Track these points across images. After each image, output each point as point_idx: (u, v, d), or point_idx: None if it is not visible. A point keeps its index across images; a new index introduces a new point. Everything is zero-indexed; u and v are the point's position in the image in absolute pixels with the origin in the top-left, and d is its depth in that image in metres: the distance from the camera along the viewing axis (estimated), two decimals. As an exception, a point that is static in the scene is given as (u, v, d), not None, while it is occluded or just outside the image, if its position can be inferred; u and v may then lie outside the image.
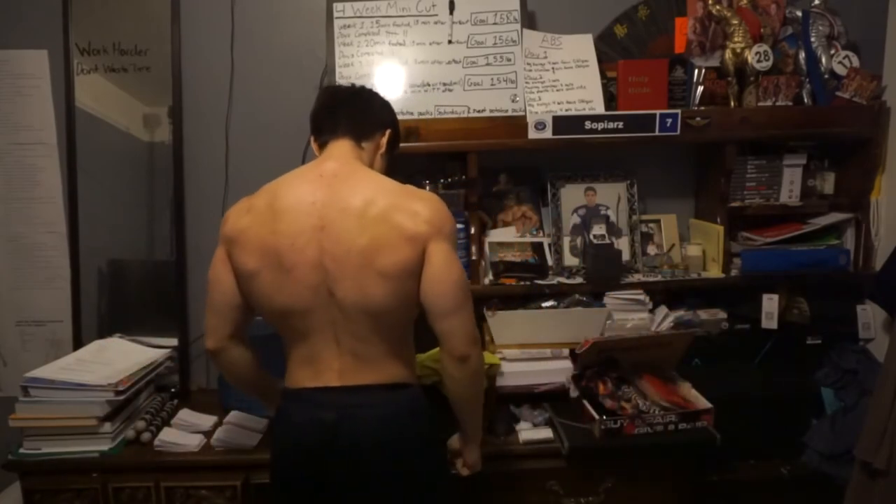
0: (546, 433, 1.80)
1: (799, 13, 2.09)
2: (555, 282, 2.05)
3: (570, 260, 2.13)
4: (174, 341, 2.13)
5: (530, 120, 1.95)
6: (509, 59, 2.03)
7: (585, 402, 1.81)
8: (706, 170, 2.18)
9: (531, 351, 1.95)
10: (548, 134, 1.95)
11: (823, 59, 2.06)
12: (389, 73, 2.01)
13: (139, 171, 2.14)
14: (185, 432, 1.83)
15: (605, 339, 1.88)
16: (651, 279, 2.08)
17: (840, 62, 2.06)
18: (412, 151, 1.90)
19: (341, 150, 1.42)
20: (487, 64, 2.03)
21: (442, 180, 2.04)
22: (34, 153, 2.13)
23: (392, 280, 1.32)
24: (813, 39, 2.07)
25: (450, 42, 2.03)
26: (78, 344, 2.11)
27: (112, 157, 2.12)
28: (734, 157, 2.04)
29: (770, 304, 2.08)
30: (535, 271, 2.05)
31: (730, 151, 2.02)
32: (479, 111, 2.01)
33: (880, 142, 2.08)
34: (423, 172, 2.04)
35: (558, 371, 1.92)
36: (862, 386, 1.94)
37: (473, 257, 2.02)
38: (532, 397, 1.93)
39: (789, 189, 2.15)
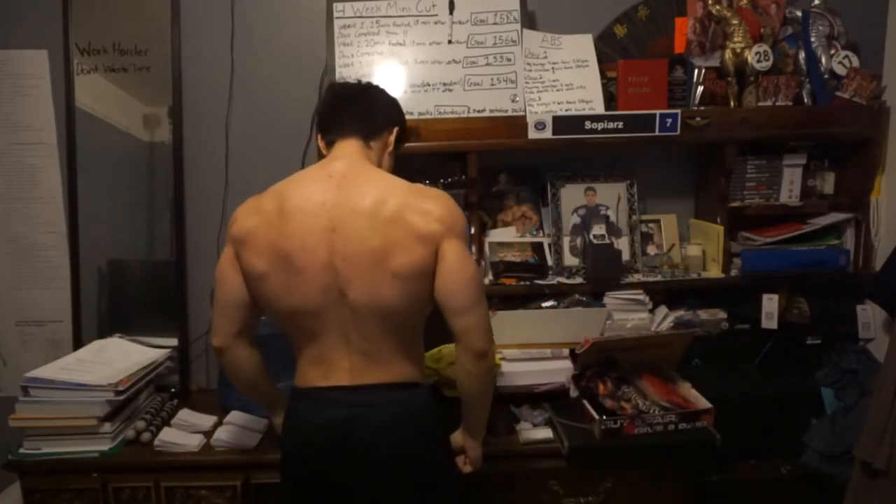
0: (546, 433, 1.80)
1: (799, 13, 2.09)
2: (555, 282, 2.05)
3: (570, 260, 2.13)
4: (174, 341, 2.13)
5: (530, 120, 1.95)
6: (509, 59, 2.03)
7: (585, 402, 1.81)
8: (706, 170, 2.18)
9: (531, 351, 1.95)
10: (548, 134, 1.95)
11: (823, 59, 2.06)
12: (389, 73, 2.01)
13: (139, 171, 2.13)
14: (185, 432, 1.83)
15: (605, 339, 1.88)
16: (651, 279, 2.08)
17: (840, 62, 2.06)
18: (412, 151, 1.89)
19: (349, 149, 1.41)
20: (487, 64, 2.03)
21: (442, 180, 2.04)
22: (34, 153, 2.13)
23: (405, 280, 1.32)
24: (813, 39, 2.07)
25: (450, 42, 2.03)
26: (78, 344, 2.11)
27: (112, 157, 2.12)
28: (734, 157, 2.04)
29: (770, 304, 2.08)
30: (535, 271, 2.05)
31: (730, 151, 2.02)
32: (479, 111, 2.01)
33: (880, 142, 2.08)
34: (423, 172, 2.04)
35: (558, 371, 1.92)
36: (862, 386, 1.94)
37: (473, 257, 2.02)
38: (532, 397, 1.93)
39: (789, 189, 2.15)
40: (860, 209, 2.11)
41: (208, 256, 2.16)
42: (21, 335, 2.21)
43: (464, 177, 2.01)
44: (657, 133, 1.97)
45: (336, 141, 1.43)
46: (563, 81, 2.03)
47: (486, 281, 2.04)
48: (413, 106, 1.99)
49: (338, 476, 1.37)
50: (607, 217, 2.15)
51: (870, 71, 2.06)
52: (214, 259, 2.13)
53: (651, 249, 2.18)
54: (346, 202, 1.32)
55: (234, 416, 1.89)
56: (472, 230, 2.02)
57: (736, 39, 2.01)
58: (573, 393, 1.87)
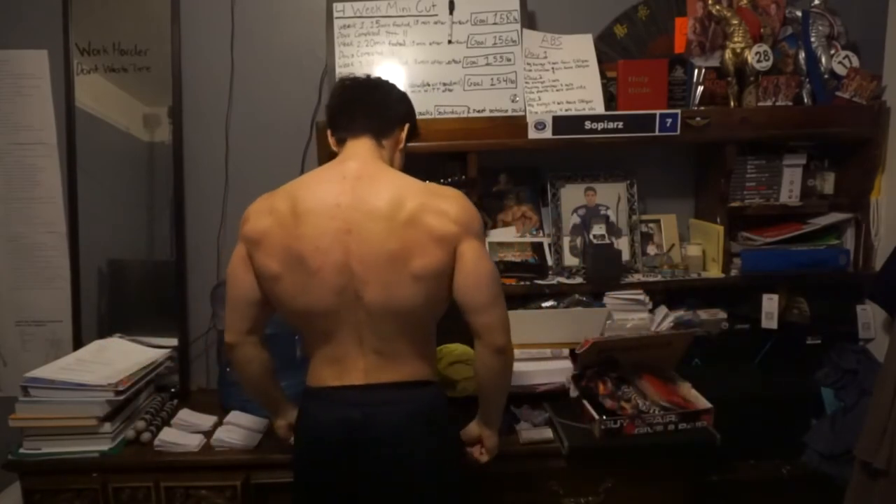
0: (546, 433, 1.80)
1: (799, 13, 2.09)
2: (555, 282, 2.05)
3: (570, 260, 2.13)
4: (174, 341, 2.13)
5: (530, 120, 1.95)
6: (509, 59, 2.03)
7: (585, 402, 1.81)
8: (706, 170, 2.18)
9: (531, 351, 1.95)
10: (548, 134, 1.95)
11: (823, 59, 2.07)
12: (389, 74, 2.00)
13: (139, 171, 2.14)
14: (185, 432, 1.83)
15: (605, 339, 1.88)
16: (651, 279, 2.08)
17: (840, 62, 2.06)
18: (412, 151, 1.87)
19: (362, 148, 1.41)
20: (487, 64, 2.03)
21: (442, 180, 2.04)
22: (34, 153, 2.13)
23: (423, 281, 1.33)
24: (813, 39, 2.07)
25: (450, 42, 2.03)
26: (78, 344, 2.11)
27: (112, 157, 2.12)
28: (734, 157, 2.04)
29: (770, 304, 2.08)
30: (535, 271, 2.06)
31: (730, 151, 2.02)
32: (479, 111, 2.01)
33: (880, 142, 2.08)
34: (423, 172, 2.03)
35: (558, 371, 1.92)
36: (862, 386, 1.94)
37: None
38: (532, 397, 1.93)
39: (789, 189, 2.15)
40: (860, 209, 2.11)
41: (208, 256, 2.16)
42: (21, 335, 2.21)
43: (464, 177, 2.01)
44: (657, 133, 1.97)
45: (347, 139, 1.43)
46: (563, 81, 2.03)
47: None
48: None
49: (351, 474, 1.37)
50: (607, 217, 2.15)
51: (870, 71, 2.06)
52: (214, 259, 2.15)
53: (651, 249, 2.18)
54: (362, 204, 1.31)
55: (234, 416, 1.88)
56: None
57: (736, 39, 2.01)
58: (573, 393, 1.87)
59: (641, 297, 2.06)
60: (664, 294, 2.13)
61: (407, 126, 1.49)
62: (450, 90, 2.02)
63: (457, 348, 1.88)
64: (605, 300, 2.05)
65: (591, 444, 1.74)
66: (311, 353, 1.44)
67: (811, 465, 1.89)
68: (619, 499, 1.79)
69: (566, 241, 2.13)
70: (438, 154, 2.02)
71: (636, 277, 2.09)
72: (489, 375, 1.44)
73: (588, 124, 1.96)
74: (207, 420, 1.89)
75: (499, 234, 2.13)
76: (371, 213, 1.31)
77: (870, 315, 2.13)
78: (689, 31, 2.08)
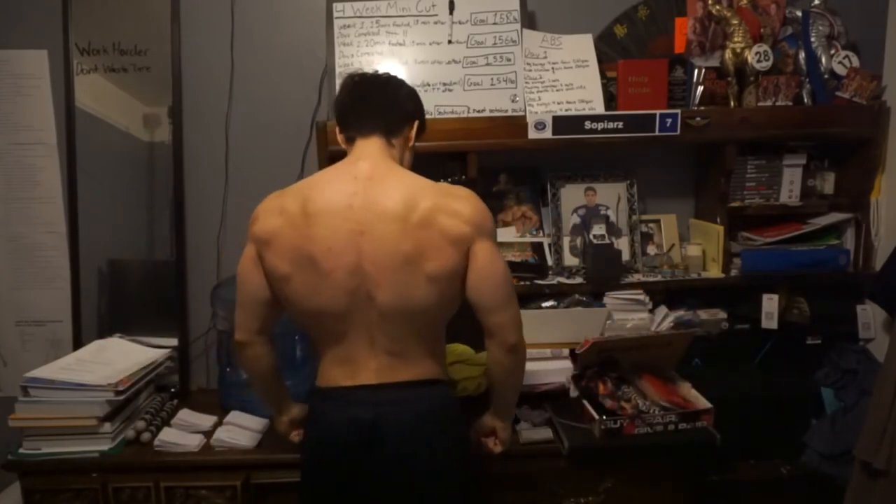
0: (546, 433, 1.80)
1: (799, 13, 2.09)
2: (555, 282, 2.05)
3: (570, 260, 2.13)
4: (174, 341, 2.13)
5: (530, 120, 1.95)
6: (509, 59, 2.03)
7: (585, 402, 1.81)
8: (706, 170, 2.18)
9: (531, 351, 1.90)
10: (548, 134, 1.95)
11: (823, 59, 2.07)
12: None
13: (139, 171, 2.13)
14: (185, 432, 1.83)
15: (605, 339, 1.88)
16: (651, 279, 2.08)
17: (840, 62, 2.06)
18: (412, 151, 1.90)
19: (372, 148, 1.40)
20: (487, 64, 2.03)
21: (442, 180, 2.03)
22: (34, 153, 2.13)
23: (437, 282, 1.33)
24: (813, 39, 2.07)
25: (450, 42, 2.03)
26: (78, 344, 2.11)
27: (112, 157, 2.12)
28: (734, 157, 2.04)
29: (770, 304, 2.08)
30: (535, 271, 2.06)
31: (730, 151, 2.02)
32: (479, 111, 2.01)
33: (880, 142, 2.08)
34: (423, 172, 2.03)
35: (558, 371, 1.92)
36: (862, 386, 1.94)
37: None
38: (532, 397, 1.93)
39: (789, 189, 2.15)
40: (860, 209, 2.11)
41: (208, 256, 2.16)
42: (21, 335, 2.21)
43: (464, 177, 2.00)
44: (657, 133, 1.97)
45: (357, 138, 1.42)
46: (563, 81, 2.03)
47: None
48: (413, 106, 1.99)
49: (362, 474, 1.37)
50: (607, 217, 2.15)
51: (870, 71, 2.06)
52: (214, 259, 2.16)
53: (651, 249, 2.18)
54: (374, 205, 1.31)
55: (234, 416, 1.88)
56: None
57: (736, 39, 2.01)
58: (573, 393, 1.87)
59: (641, 297, 2.06)
60: (664, 294, 2.13)
61: (416, 123, 1.49)
62: (450, 90, 2.02)
63: (457, 348, 1.88)
64: (605, 300, 2.05)
65: (591, 444, 1.74)
66: (322, 353, 1.44)
67: (811, 465, 1.89)
68: (619, 499, 1.79)
69: (566, 241, 2.13)
70: (438, 154, 2.01)
71: (636, 277, 2.09)
72: (502, 372, 1.46)
73: (588, 124, 1.96)
74: (207, 420, 1.89)
75: (499, 234, 2.12)
76: (384, 215, 1.31)
77: (870, 315, 2.13)
78: (689, 31, 2.08)
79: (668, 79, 2.02)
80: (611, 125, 1.96)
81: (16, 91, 2.10)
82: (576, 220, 2.14)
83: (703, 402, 1.82)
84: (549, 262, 2.11)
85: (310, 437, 1.45)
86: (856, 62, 2.06)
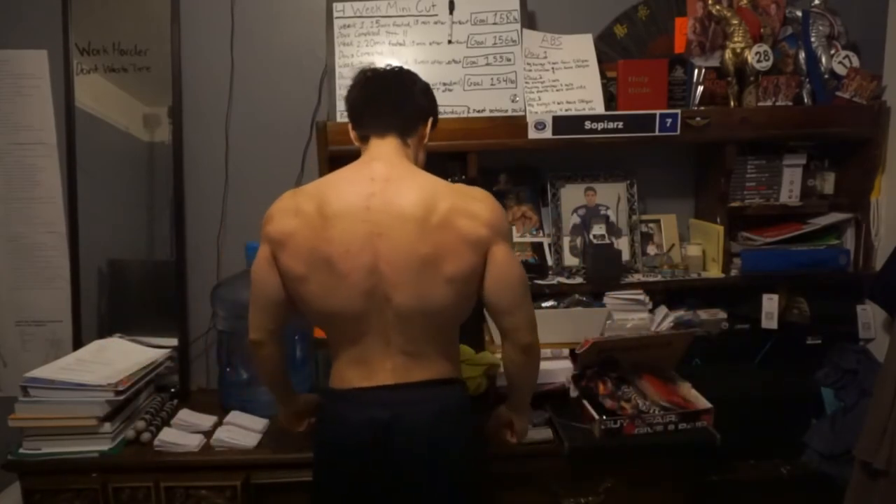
0: (546, 433, 1.80)
1: (799, 13, 2.09)
2: (555, 282, 2.05)
3: (570, 260, 2.13)
4: (174, 341, 2.12)
5: (530, 120, 1.95)
6: (509, 59, 2.03)
7: (585, 402, 1.81)
8: (706, 170, 2.18)
9: (531, 351, 1.94)
10: (548, 134, 1.95)
11: (823, 59, 2.07)
12: (389, 73, 2.01)
13: (139, 171, 2.13)
14: (185, 432, 1.83)
15: (605, 339, 1.88)
16: (651, 279, 2.08)
17: (840, 62, 2.06)
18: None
19: (388, 149, 1.39)
20: (487, 64, 2.03)
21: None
22: (34, 153, 2.13)
23: (455, 284, 1.33)
24: (813, 39, 2.07)
25: (450, 42, 2.03)
26: (78, 344, 2.11)
27: (112, 157, 2.12)
28: (734, 157, 2.04)
29: (770, 304, 2.08)
30: (535, 271, 2.05)
31: (730, 151, 2.02)
32: (479, 111, 2.01)
33: (880, 142, 2.08)
34: (423, 172, 2.04)
35: (558, 371, 1.92)
36: (862, 386, 1.94)
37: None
38: (532, 397, 1.93)
39: (789, 189, 2.15)
40: (860, 209, 2.11)
41: (208, 256, 2.16)
42: (21, 335, 2.21)
43: (464, 177, 2.00)
44: (657, 133, 1.97)
45: (371, 137, 1.41)
46: (563, 81, 2.03)
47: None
48: (413, 106, 1.99)
49: (378, 474, 1.37)
50: (607, 217, 2.15)
51: (870, 71, 2.06)
52: (214, 259, 2.16)
53: (651, 249, 2.18)
54: (392, 207, 1.31)
55: (234, 416, 1.88)
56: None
57: (736, 39, 2.01)
58: (573, 393, 1.87)
59: (641, 297, 2.06)
60: (664, 294, 2.13)
61: (430, 120, 1.48)
62: (450, 90, 2.02)
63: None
64: (605, 300, 2.05)
65: (591, 444, 1.74)
66: (336, 353, 1.43)
67: (811, 465, 1.89)
68: (619, 499, 1.79)
69: (566, 241, 2.13)
70: (438, 154, 2.01)
71: (636, 277, 2.09)
72: (516, 371, 1.48)
73: (588, 124, 1.96)
74: (207, 420, 1.89)
75: (499, 234, 2.13)
76: (402, 217, 1.30)
77: (870, 315, 2.13)
78: (689, 31, 2.08)
79: (668, 79, 2.02)
80: (611, 125, 1.96)
81: (16, 91, 2.10)
82: (576, 220, 2.14)
83: (703, 402, 1.82)
84: (549, 262, 2.11)
85: (324, 438, 1.45)
86: (856, 62, 2.06)
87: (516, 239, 2.12)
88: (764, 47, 2.02)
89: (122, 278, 2.18)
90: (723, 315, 2.11)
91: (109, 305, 2.16)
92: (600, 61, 2.05)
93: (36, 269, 2.17)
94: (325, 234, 1.31)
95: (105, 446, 1.75)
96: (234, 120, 2.13)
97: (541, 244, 2.13)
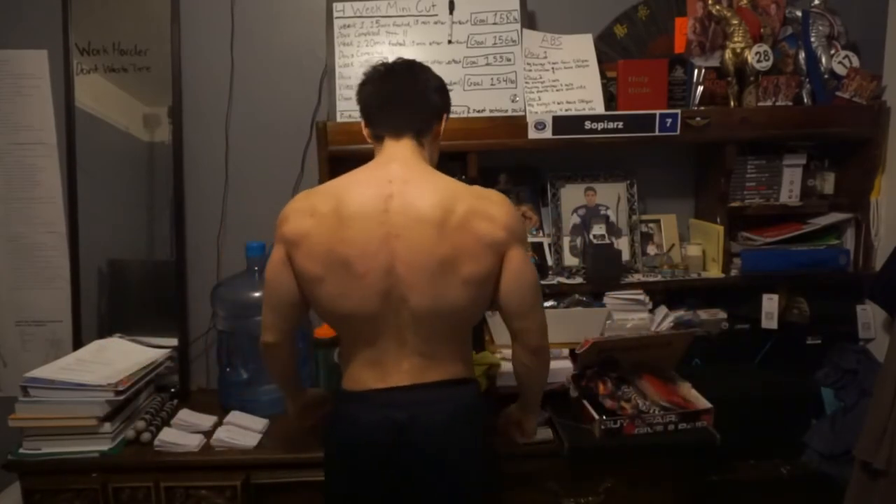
0: (546, 433, 1.80)
1: (799, 13, 2.09)
2: (555, 282, 2.05)
3: (570, 260, 2.13)
4: (174, 341, 2.12)
5: (530, 120, 1.95)
6: (509, 59, 2.03)
7: (585, 402, 1.81)
8: (706, 170, 2.18)
9: (531, 351, 1.94)
10: (548, 134, 1.95)
11: (823, 59, 2.07)
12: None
13: (139, 171, 2.13)
14: (185, 432, 1.83)
15: (605, 339, 1.88)
16: (651, 279, 2.08)
17: (840, 62, 2.06)
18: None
19: (404, 150, 1.39)
20: (487, 64, 2.03)
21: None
22: (34, 153, 2.13)
23: (471, 286, 1.34)
24: (813, 39, 2.07)
25: (450, 42, 2.03)
26: (78, 344, 2.11)
27: (112, 157, 2.12)
28: (734, 157, 2.04)
29: (770, 304, 2.08)
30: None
31: (730, 151, 2.02)
32: (479, 111, 2.01)
33: (880, 142, 2.08)
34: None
35: (558, 371, 1.91)
36: (862, 386, 1.94)
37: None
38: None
39: (789, 189, 2.15)
40: (860, 209, 2.11)
41: (208, 256, 2.16)
42: (21, 335, 2.21)
43: (464, 177, 2.00)
44: (657, 133, 1.97)
45: (387, 138, 1.40)
46: (563, 81, 2.03)
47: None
48: (413, 106, 1.99)
49: (394, 474, 1.37)
50: (607, 217, 2.15)
51: (870, 71, 2.07)
52: (214, 259, 2.16)
53: (651, 249, 2.18)
54: (411, 210, 1.31)
55: (234, 416, 1.88)
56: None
57: (736, 39, 2.01)
58: (573, 393, 1.87)
59: (641, 297, 2.06)
60: (664, 294, 2.13)
61: (444, 116, 1.47)
62: (450, 90, 2.00)
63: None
64: (605, 300, 2.05)
65: (591, 444, 1.74)
66: (350, 354, 1.43)
67: (811, 465, 1.89)
68: (619, 499, 1.79)
69: (566, 241, 2.13)
70: (439, 154, 2.01)
71: (636, 277, 2.09)
72: (525, 373, 1.49)
73: (588, 124, 1.96)
74: (207, 420, 1.89)
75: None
76: (420, 219, 1.30)
77: (870, 315, 2.13)
78: (689, 31, 2.08)
79: (668, 79, 2.02)
80: (611, 125, 1.96)
81: (16, 91, 2.10)
82: (576, 220, 2.14)
83: (703, 402, 1.82)
84: (549, 262, 2.11)
85: (338, 439, 1.44)
86: (856, 62, 2.06)
87: (516, 239, 2.12)
88: (764, 47, 2.02)
89: (122, 278, 2.18)
90: (723, 315, 2.11)
91: (109, 305, 2.16)
92: (600, 61, 2.05)
93: (36, 269, 2.17)
94: (341, 235, 1.31)
95: (105, 446, 1.75)
96: (234, 120, 2.13)
97: (541, 244, 2.13)
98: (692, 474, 1.82)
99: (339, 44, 2.02)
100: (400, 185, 1.33)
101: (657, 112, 1.96)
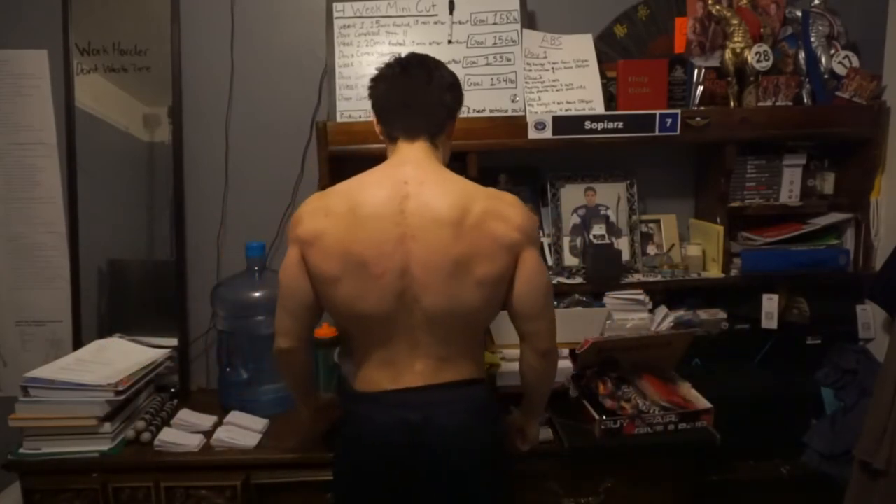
0: (546, 433, 1.80)
1: (799, 13, 2.09)
2: (555, 282, 2.05)
3: (570, 260, 2.13)
4: (174, 341, 2.12)
5: (530, 120, 1.95)
6: (509, 59, 2.03)
7: (585, 402, 1.81)
8: (706, 170, 2.18)
9: (531, 351, 1.94)
10: (548, 134, 1.95)
11: (823, 59, 2.07)
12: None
13: (139, 171, 2.13)
14: (185, 432, 1.83)
15: (605, 339, 1.88)
16: (651, 279, 2.08)
17: (840, 62, 2.06)
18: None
19: (418, 153, 1.38)
20: (487, 64, 2.03)
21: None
22: (34, 153, 2.13)
23: (486, 287, 1.34)
24: (813, 39, 2.07)
25: (450, 42, 2.03)
26: (78, 344, 2.11)
27: (112, 157, 2.12)
28: (734, 157, 2.04)
29: (770, 304, 2.08)
30: (535, 271, 2.05)
31: (730, 151, 2.02)
32: (479, 111, 2.01)
33: (880, 142, 2.08)
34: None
35: (558, 371, 1.90)
36: (862, 386, 1.94)
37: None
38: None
39: (789, 189, 2.15)
40: (860, 209, 2.11)
41: (208, 256, 2.16)
42: (21, 335, 2.21)
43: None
44: (657, 133, 1.97)
45: (400, 140, 1.40)
46: (563, 81, 2.03)
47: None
48: (413, 106, 1.98)
49: (408, 475, 1.37)
50: (607, 217, 2.15)
51: (870, 71, 2.07)
52: (214, 259, 2.16)
53: (651, 249, 2.18)
54: (427, 211, 1.31)
55: (234, 416, 1.88)
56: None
57: (736, 39, 2.01)
58: (573, 393, 1.87)
59: (641, 297, 2.06)
60: (664, 294, 2.13)
61: (457, 114, 1.47)
62: (453, 89, 2.02)
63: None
64: (605, 300, 2.05)
65: (591, 444, 1.74)
66: (362, 356, 1.43)
67: (811, 465, 1.90)
68: (619, 499, 1.79)
69: (566, 241, 2.13)
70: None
71: (636, 277, 2.09)
72: (533, 375, 1.49)
73: (588, 124, 1.96)
74: (207, 420, 1.89)
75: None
76: (437, 220, 1.30)
77: (870, 315, 2.13)
78: (689, 31, 2.08)
79: (668, 79, 2.01)
80: (611, 125, 1.96)
81: (16, 91, 2.10)
82: (576, 220, 2.14)
83: (703, 402, 1.82)
84: (549, 262, 2.11)
85: (351, 440, 1.43)
86: (856, 62, 2.06)
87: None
88: (764, 47, 2.02)
89: (122, 278, 2.18)
90: (723, 315, 2.11)
91: (109, 305, 2.16)
92: (600, 61, 2.05)
93: (36, 269, 2.17)
94: (357, 236, 1.30)
95: (105, 446, 1.75)
96: (234, 120, 2.13)
97: (541, 244, 2.12)
98: (692, 474, 1.83)
99: (339, 44, 2.02)
100: (416, 187, 1.33)
101: (657, 112, 1.96)
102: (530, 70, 2.03)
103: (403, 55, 1.45)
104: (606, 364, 1.90)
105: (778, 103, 2.05)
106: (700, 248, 2.13)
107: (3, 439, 1.81)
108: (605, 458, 1.78)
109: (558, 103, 2.01)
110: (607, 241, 2.12)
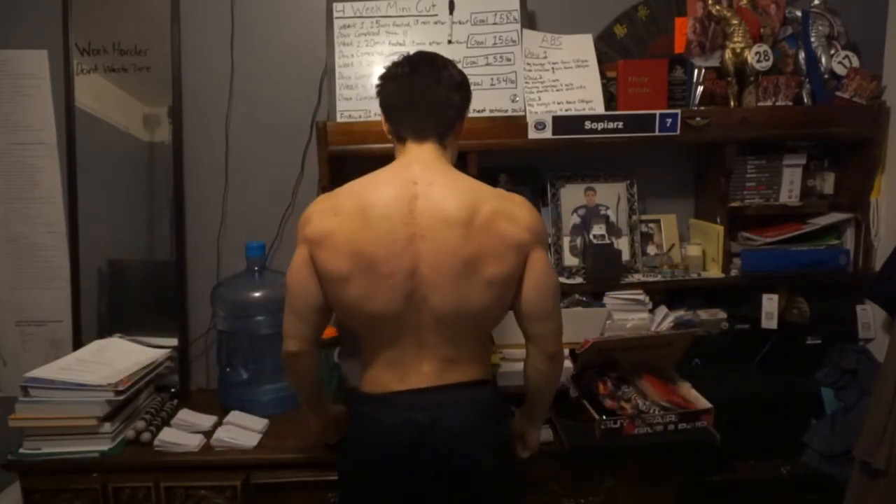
0: (546, 433, 1.80)
1: (799, 13, 2.09)
2: (555, 282, 2.05)
3: (570, 260, 2.13)
4: (174, 341, 2.12)
5: (530, 120, 1.95)
6: (509, 59, 2.03)
7: (585, 402, 1.81)
8: (706, 170, 2.18)
9: (531, 351, 1.94)
10: (548, 134, 1.95)
11: (823, 59, 2.07)
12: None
13: (139, 171, 2.13)
14: (185, 432, 1.83)
15: (605, 339, 1.88)
16: (651, 279, 2.08)
17: (840, 62, 2.06)
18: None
19: (427, 154, 1.38)
20: (487, 64, 2.03)
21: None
22: (34, 153, 2.13)
23: (494, 287, 1.34)
24: (813, 39, 2.07)
25: (450, 42, 2.03)
26: (78, 344, 2.11)
27: (112, 157, 2.12)
28: (734, 157, 2.04)
29: (770, 304, 2.08)
30: (535, 271, 2.05)
31: (730, 151, 2.02)
32: (479, 111, 2.01)
33: (880, 142, 2.08)
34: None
35: (558, 371, 1.92)
36: (862, 386, 1.94)
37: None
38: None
39: (789, 189, 2.15)
40: (860, 209, 2.11)
41: (208, 256, 2.16)
42: (21, 335, 2.21)
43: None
44: (657, 133, 1.97)
45: (409, 140, 1.39)
46: (563, 81, 2.03)
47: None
48: (413, 106, 1.98)
49: (415, 476, 1.36)
50: (607, 217, 2.15)
51: (870, 71, 2.06)
52: (214, 259, 2.16)
53: (651, 249, 2.18)
54: (436, 212, 1.31)
55: (234, 416, 1.89)
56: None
57: (736, 39, 2.01)
58: (573, 393, 1.87)
59: (641, 297, 2.06)
60: (664, 294, 2.13)
61: (466, 113, 1.46)
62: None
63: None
64: (605, 300, 2.05)
65: (591, 444, 1.74)
66: (369, 356, 1.42)
67: (811, 465, 1.89)
68: (619, 499, 1.79)
69: (566, 241, 2.13)
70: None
71: (636, 277, 2.09)
72: (538, 378, 1.48)
73: (588, 124, 1.96)
74: (207, 420, 1.89)
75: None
76: (446, 220, 1.30)
77: (870, 315, 2.13)
78: (689, 31, 2.08)
79: (668, 79, 2.01)
80: (611, 125, 1.96)
81: (16, 91, 2.10)
82: (576, 220, 2.14)
83: (703, 402, 1.82)
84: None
85: (358, 440, 1.42)
86: (856, 62, 2.06)
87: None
88: (764, 47, 2.02)
89: (122, 278, 2.18)
90: (723, 315, 2.11)
91: (109, 305, 2.16)
92: (600, 61, 2.05)
93: (36, 269, 2.17)
94: (367, 236, 1.30)
95: (105, 446, 1.75)
96: (234, 120, 2.13)
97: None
98: (692, 474, 1.83)
99: (339, 44, 2.02)
100: (425, 187, 1.32)
101: (657, 112, 1.96)
102: (530, 70, 2.03)
103: (412, 53, 1.44)
104: (606, 364, 1.90)
105: (778, 103, 2.05)
106: (700, 248, 2.13)
107: (3, 439, 1.81)
108: (605, 458, 1.78)
109: (558, 103, 2.01)
110: (607, 241, 2.12)
